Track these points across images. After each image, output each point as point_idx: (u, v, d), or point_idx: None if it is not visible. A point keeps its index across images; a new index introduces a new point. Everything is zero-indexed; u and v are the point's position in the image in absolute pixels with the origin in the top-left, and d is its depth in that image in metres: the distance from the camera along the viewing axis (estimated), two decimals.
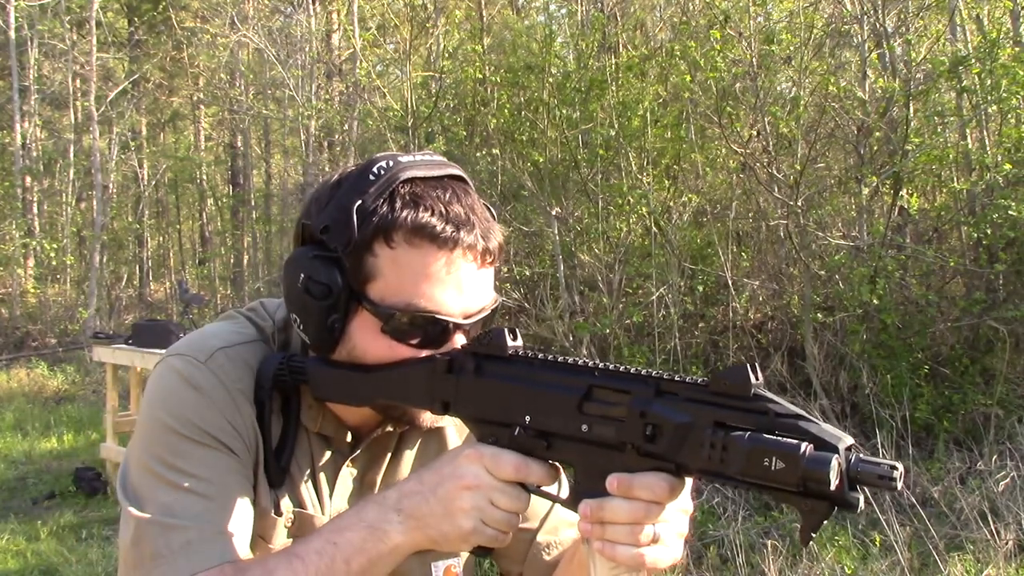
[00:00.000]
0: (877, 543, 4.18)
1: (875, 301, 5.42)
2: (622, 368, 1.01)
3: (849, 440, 0.86)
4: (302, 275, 1.12)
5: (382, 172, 1.11)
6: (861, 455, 0.86)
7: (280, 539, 1.18)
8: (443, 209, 1.10)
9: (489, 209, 1.19)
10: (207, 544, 1.07)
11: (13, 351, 12.76)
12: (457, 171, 1.16)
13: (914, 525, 4.17)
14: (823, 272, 6.06)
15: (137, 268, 16.68)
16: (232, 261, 15.49)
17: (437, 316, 1.11)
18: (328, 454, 1.24)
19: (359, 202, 1.10)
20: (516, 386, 1.06)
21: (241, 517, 1.12)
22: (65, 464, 7.08)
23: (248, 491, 1.14)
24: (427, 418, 1.20)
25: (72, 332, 13.11)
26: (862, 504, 0.86)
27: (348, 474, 1.25)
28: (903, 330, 5.60)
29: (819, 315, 5.78)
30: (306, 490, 1.22)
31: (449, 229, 1.09)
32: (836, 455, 0.84)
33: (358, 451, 1.25)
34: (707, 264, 6.47)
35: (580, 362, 1.04)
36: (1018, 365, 5.50)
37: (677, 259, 6.36)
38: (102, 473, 6.44)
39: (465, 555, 1.31)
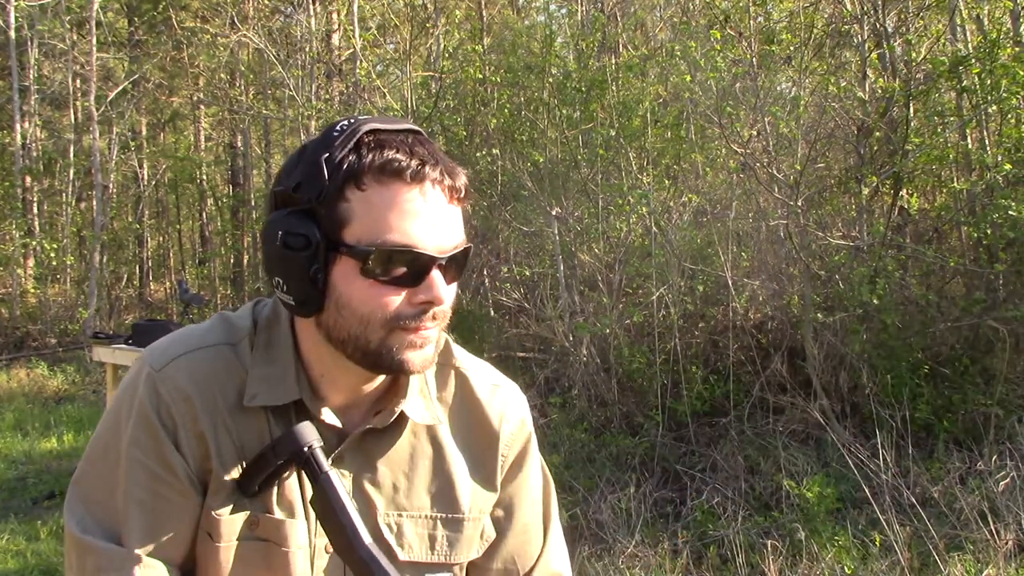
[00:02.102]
0: (877, 543, 4.18)
1: (875, 301, 5.42)
2: None
3: None
4: (280, 232, 1.14)
5: (344, 128, 1.14)
6: None
7: (230, 538, 1.17)
8: (408, 149, 1.13)
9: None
10: (115, 572, 1.11)
11: (13, 351, 12.76)
12: (416, 127, 1.19)
13: (914, 525, 4.17)
14: (823, 272, 6.06)
15: (137, 268, 16.68)
16: (232, 261, 15.50)
17: (413, 249, 1.12)
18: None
19: (326, 154, 1.13)
20: None
21: (163, 539, 1.14)
22: (65, 464, 7.08)
23: (180, 509, 1.15)
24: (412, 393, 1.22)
25: (72, 332, 13.10)
26: None
27: (336, 472, 1.21)
28: (903, 330, 5.60)
29: (819, 315, 5.78)
30: (276, 495, 1.20)
31: (415, 163, 1.12)
32: None
33: (341, 448, 1.22)
34: (707, 264, 6.47)
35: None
36: (1018, 365, 5.50)
37: (677, 259, 6.36)
38: None
39: (458, 567, 1.29)
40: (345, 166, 1.12)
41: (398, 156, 1.12)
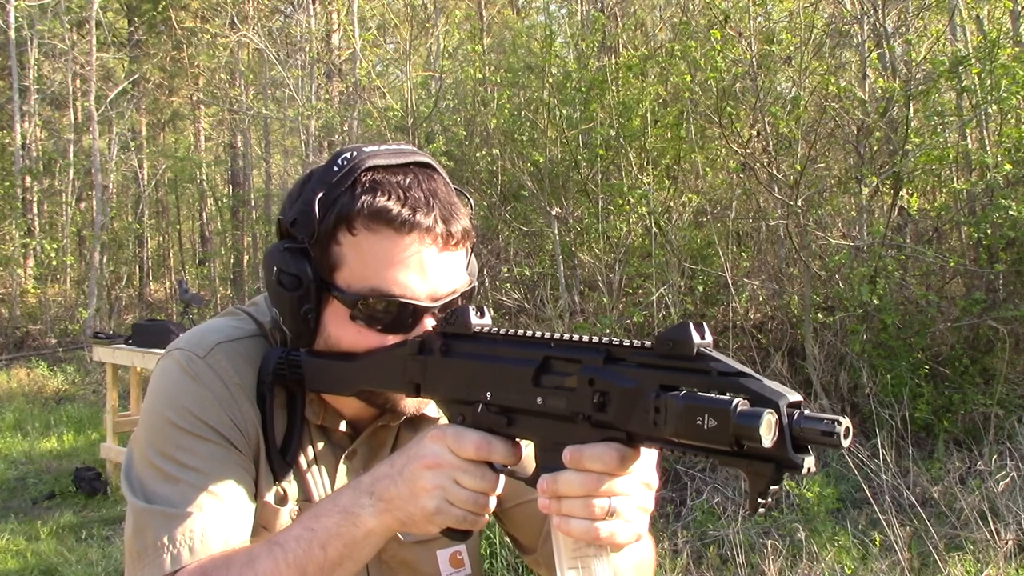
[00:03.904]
0: (877, 543, 4.18)
1: (875, 301, 5.42)
2: (577, 337, 0.98)
3: (794, 397, 0.82)
4: (275, 268, 1.15)
5: (345, 163, 1.14)
6: (806, 411, 0.81)
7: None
8: (401, 194, 1.12)
9: (464, 194, 1.21)
10: (209, 533, 1.10)
11: (13, 351, 12.76)
12: (424, 158, 1.17)
13: (914, 525, 4.17)
14: (823, 272, 6.05)
15: (137, 268, 16.68)
16: (232, 261, 15.50)
17: (401, 300, 1.12)
18: (329, 447, 1.26)
19: (322, 193, 1.13)
20: (478, 363, 1.05)
21: (240, 508, 1.14)
22: (65, 464, 7.08)
23: (247, 483, 1.16)
24: (409, 404, 1.20)
25: (72, 332, 13.11)
26: (811, 465, 0.81)
27: (347, 468, 1.27)
28: (903, 330, 5.60)
29: (819, 315, 5.78)
30: (312, 481, 1.24)
31: (406, 212, 1.11)
32: (769, 411, 0.79)
33: (355, 444, 1.27)
34: (707, 264, 6.47)
35: (539, 334, 1.01)
36: (1018, 365, 5.50)
37: (677, 259, 6.35)
38: (102, 473, 6.43)
39: (470, 540, 1.32)
40: (338, 208, 1.12)
41: (389, 204, 1.11)
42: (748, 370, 0.85)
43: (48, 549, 5.25)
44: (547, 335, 1.01)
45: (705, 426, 0.82)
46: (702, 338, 0.88)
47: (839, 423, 0.79)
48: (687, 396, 0.85)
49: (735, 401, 0.81)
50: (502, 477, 1.05)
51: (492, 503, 1.06)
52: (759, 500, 0.83)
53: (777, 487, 0.83)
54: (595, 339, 0.97)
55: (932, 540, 4.04)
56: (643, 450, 0.95)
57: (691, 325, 0.88)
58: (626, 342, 0.94)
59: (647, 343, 0.92)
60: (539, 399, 0.99)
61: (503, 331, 1.05)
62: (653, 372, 0.90)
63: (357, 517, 1.06)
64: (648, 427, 0.89)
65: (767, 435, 0.79)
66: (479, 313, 1.07)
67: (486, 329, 1.06)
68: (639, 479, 0.96)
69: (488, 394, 1.03)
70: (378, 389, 1.16)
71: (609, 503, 0.93)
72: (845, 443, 0.79)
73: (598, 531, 0.94)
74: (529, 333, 1.03)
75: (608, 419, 0.93)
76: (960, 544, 4.13)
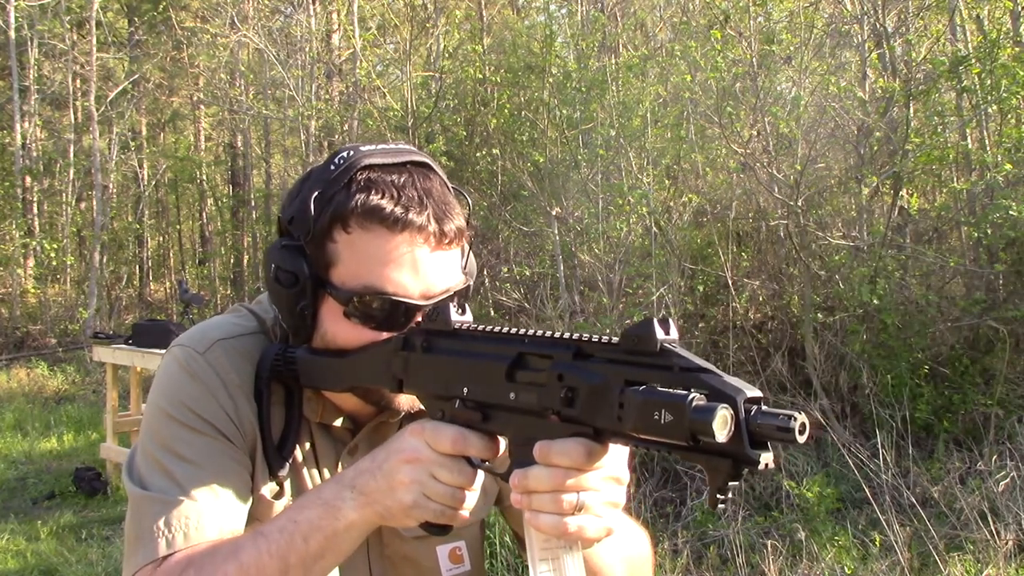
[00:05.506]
0: (877, 543, 4.18)
1: (875, 301, 5.42)
2: (549, 333, 0.99)
3: (753, 392, 0.81)
4: (273, 265, 1.17)
5: (342, 162, 1.15)
6: (764, 407, 0.81)
7: None
8: (395, 192, 1.13)
9: (462, 194, 1.22)
10: (204, 521, 1.12)
11: (13, 351, 12.76)
12: (421, 157, 1.19)
13: (914, 525, 4.17)
14: (823, 272, 6.05)
15: (137, 268, 16.68)
16: (232, 261, 15.50)
17: (393, 297, 1.13)
18: (330, 444, 1.27)
19: (318, 192, 1.14)
20: (457, 359, 1.06)
21: (233, 500, 1.16)
22: (65, 464, 7.08)
23: (242, 477, 1.18)
24: (403, 401, 1.21)
25: (72, 332, 13.11)
26: (769, 462, 0.80)
27: (348, 464, 1.27)
28: (903, 330, 5.60)
29: (819, 315, 5.78)
30: (309, 478, 1.25)
31: (399, 211, 1.12)
32: (724, 405, 0.79)
33: (356, 440, 1.28)
34: (707, 264, 6.47)
35: (515, 331, 1.02)
36: (1018, 365, 5.50)
37: (677, 259, 6.35)
38: (102, 473, 6.43)
39: (470, 537, 1.34)
40: (333, 206, 1.13)
41: (382, 202, 1.12)
42: (710, 366, 0.85)
43: (48, 549, 5.25)
44: (522, 331, 1.02)
45: (662, 421, 0.83)
46: (667, 334, 0.88)
47: (795, 418, 0.78)
48: (645, 391, 0.85)
49: (691, 396, 0.81)
50: (480, 473, 1.06)
51: (471, 499, 1.07)
52: (718, 496, 0.82)
53: (736, 483, 0.82)
54: (567, 335, 0.98)
55: (932, 540, 4.05)
56: (613, 446, 0.95)
57: (655, 321, 0.88)
58: (595, 338, 0.95)
59: (615, 339, 0.93)
60: (512, 394, 1.00)
61: (482, 328, 1.06)
62: (619, 368, 0.90)
63: (338, 510, 1.07)
64: (613, 422, 0.89)
65: (721, 430, 0.79)
66: (460, 310, 1.08)
67: (466, 326, 1.08)
68: (608, 474, 0.97)
69: (465, 390, 1.05)
70: (366, 385, 1.18)
71: (577, 498, 0.94)
72: (801, 439, 0.79)
73: (566, 526, 0.94)
74: (506, 330, 1.04)
75: (576, 414, 0.94)
76: (960, 544, 4.13)
